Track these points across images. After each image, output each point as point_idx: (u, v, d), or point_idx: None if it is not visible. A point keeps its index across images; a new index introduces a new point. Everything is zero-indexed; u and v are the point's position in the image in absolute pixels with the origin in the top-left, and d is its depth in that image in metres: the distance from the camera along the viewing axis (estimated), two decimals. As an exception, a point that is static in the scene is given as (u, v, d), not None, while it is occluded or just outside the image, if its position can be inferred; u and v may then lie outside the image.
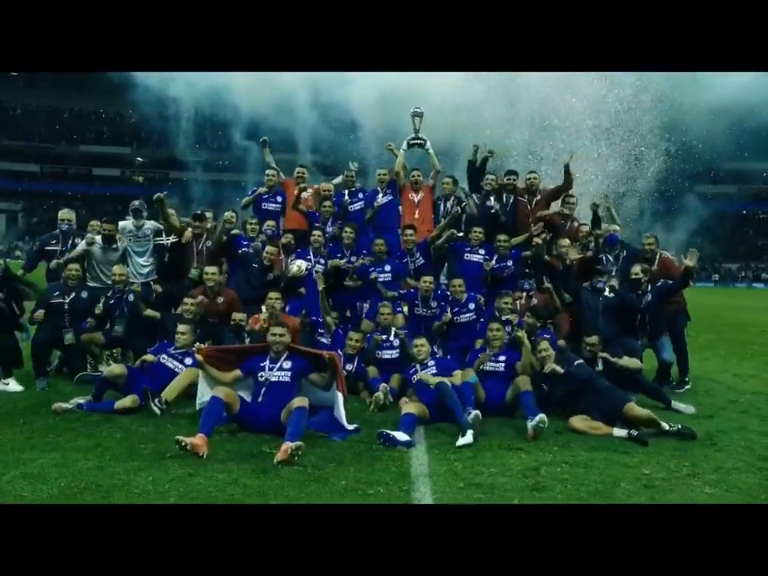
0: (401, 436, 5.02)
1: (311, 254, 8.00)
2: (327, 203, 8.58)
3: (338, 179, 9.36)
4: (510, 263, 7.83)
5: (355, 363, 6.85)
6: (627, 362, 6.29)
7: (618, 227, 7.86)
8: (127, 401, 5.70)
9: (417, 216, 8.59)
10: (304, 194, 8.65)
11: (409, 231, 8.03)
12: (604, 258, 7.68)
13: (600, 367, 6.20)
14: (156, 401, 5.56)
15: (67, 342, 6.93)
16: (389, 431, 5.07)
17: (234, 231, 8.12)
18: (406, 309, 7.75)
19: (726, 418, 6.16)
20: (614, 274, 7.48)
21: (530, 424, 5.27)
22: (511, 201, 8.57)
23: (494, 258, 7.82)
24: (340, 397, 5.36)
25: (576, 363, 6.02)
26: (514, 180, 8.67)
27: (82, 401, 5.78)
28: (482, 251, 7.93)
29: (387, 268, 7.91)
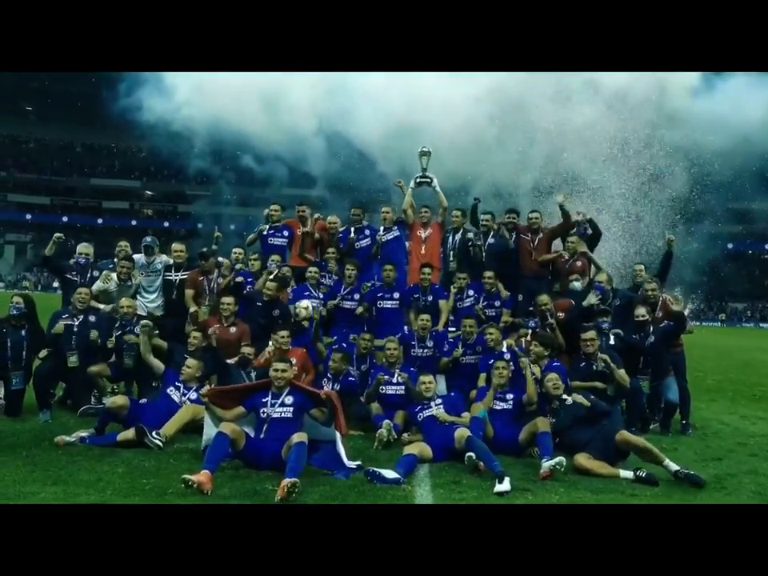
0: (388, 473, 4.94)
1: (309, 289, 8.05)
2: (331, 250, 8.56)
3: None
4: (497, 303, 7.93)
5: (368, 362, 7.33)
6: (623, 374, 6.59)
7: (604, 278, 7.83)
8: (129, 433, 5.67)
9: (423, 252, 8.66)
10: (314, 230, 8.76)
11: (427, 270, 8.04)
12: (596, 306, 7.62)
13: (600, 367, 6.58)
14: (154, 433, 5.59)
15: (71, 364, 6.86)
16: (376, 468, 5.01)
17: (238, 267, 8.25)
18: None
19: (735, 461, 6.06)
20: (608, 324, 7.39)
21: (546, 463, 5.18)
22: (513, 239, 8.63)
23: (482, 297, 7.94)
24: (339, 435, 5.33)
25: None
26: (515, 218, 8.78)
27: (84, 434, 5.75)
28: (470, 292, 8.03)
29: (396, 295, 8.02)
